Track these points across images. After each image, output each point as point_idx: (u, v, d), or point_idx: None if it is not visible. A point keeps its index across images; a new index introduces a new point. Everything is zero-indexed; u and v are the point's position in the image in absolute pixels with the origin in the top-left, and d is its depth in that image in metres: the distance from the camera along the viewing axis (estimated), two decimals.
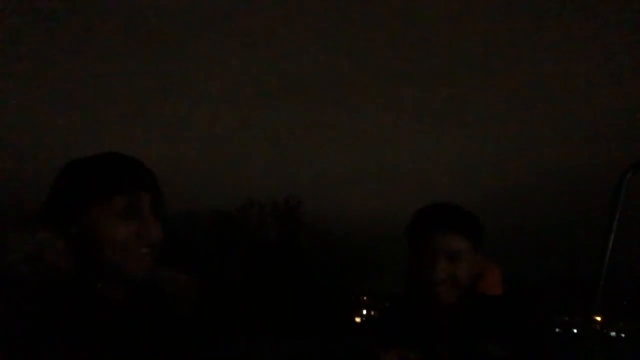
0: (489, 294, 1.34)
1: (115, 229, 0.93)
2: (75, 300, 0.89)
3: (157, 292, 1.02)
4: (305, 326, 29.99)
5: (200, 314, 1.08)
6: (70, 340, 0.85)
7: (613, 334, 51.43)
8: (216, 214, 35.93)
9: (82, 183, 0.95)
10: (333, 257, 35.70)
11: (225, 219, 36.00)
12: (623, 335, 50.39)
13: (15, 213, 1.02)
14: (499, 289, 1.38)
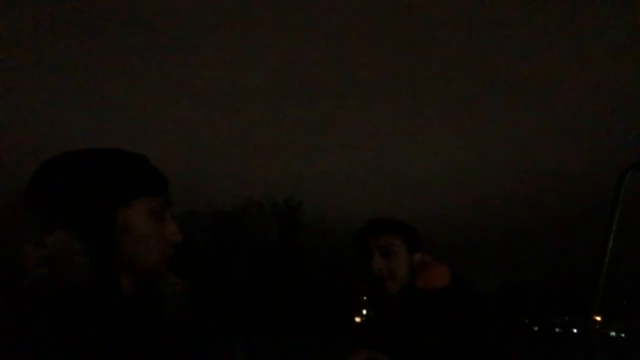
0: (430, 288, 1.49)
1: (148, 231, 0.94)
2: (97, 303, 0.88)
3: (155, 292, 1.03)
4: (306, 326, 29.99)
5: (190, 320, 1.09)
6: (94, 344, 0.85)
7: (613, 334, 51.45)
8: (216, 214, 35.96)
9: (113, 184, 0.93)
10: (333, 257, 35.71)
11: (225, 219, 36.02)
12: (623, 335, 50.41)
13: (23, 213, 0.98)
14: (441, 282, 1.50)
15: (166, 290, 1.04)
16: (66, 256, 0.86)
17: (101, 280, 0.90)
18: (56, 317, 0.83)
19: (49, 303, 0.84)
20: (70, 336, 0.83)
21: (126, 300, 0.94)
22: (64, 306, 0.85)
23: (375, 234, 1.57)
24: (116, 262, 0.92)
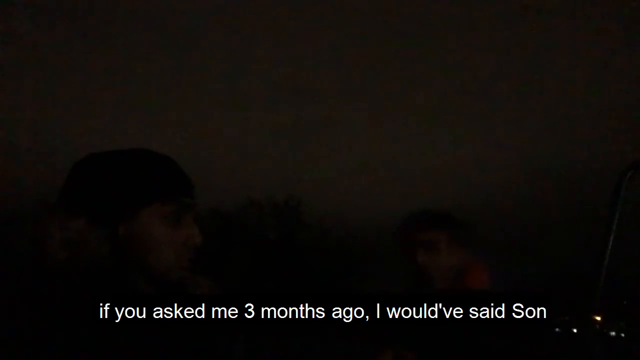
0: (481, 288, 1.48)
1: (159, 238, 0.96)
2: (107, 291, 0.90)
3: (182, 292, 1.04)
4: (305, 326, 29.97)
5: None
6: (96, 330, 0.86)
7: (613, 334, 51.47)
8: (216, 214, 35.95)
9: (138, 183, 0.95)
10: (333, 257, 35.70)
11: (225, 219, 36.02)
12: (623, 335, 50.42)
13: (49, 201, 1.03)
14: (483, 284, 1.49)
15: (193, 290, 1.05)
16: (86, 242, 0.89)
17: (114, 271, 0.92)
18: (70, 300, 0.86)
19: (66, 286, 0.87)
20: (78, 319, 0.85)
21: (139, 294, 0.95)
22: (79, 289, 0.87)
23: (421, 228, 1.51)
24: (127, 262, 0.94)
